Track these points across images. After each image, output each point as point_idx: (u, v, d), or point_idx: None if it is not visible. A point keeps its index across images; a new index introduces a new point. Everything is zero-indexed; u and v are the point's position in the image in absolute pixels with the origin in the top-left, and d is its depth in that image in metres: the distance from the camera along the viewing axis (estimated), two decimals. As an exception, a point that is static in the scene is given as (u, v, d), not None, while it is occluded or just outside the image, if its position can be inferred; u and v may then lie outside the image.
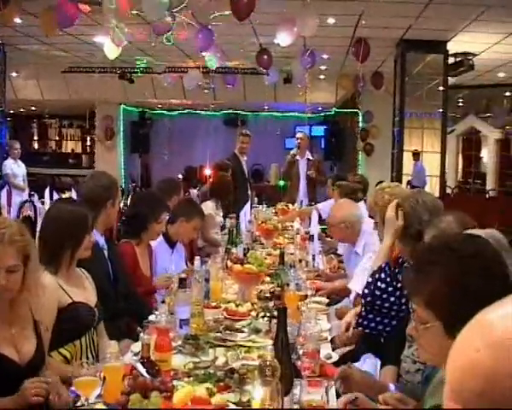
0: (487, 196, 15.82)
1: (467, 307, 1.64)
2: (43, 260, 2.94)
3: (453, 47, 10.63)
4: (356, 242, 4.95)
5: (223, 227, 7.02)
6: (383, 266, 3.34)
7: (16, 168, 11.18)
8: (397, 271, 3.34)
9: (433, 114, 12.51)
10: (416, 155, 13.55)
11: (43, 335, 2.71)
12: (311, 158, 9.97)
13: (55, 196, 8.92)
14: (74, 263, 3.23)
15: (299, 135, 10.07)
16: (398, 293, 3.25)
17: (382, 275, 3.31)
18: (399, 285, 3.23)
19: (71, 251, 3.16)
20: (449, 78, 11.17)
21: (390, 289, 3.27)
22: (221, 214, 7.42)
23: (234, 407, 2.40)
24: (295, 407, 2.37)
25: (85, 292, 3.25)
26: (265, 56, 9.95)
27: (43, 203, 8.81)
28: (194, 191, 9.78)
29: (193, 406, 2.22)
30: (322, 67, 12.88)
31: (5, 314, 2.56)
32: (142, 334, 3.03)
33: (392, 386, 2.59)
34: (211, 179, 8.90)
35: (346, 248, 5.32)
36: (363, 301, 3.36)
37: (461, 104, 15.94)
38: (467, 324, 0.97)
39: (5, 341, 2.53)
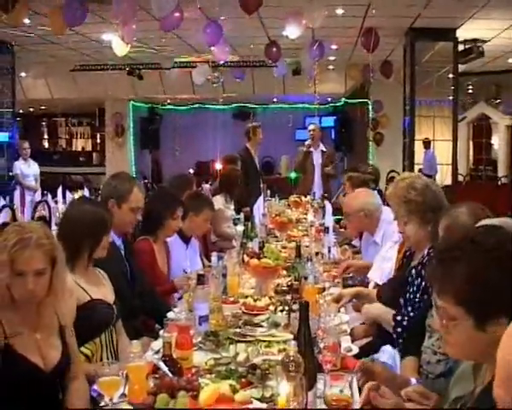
0: (499, 183, 15.69)
1: (496, 300, 1.64)
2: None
3: (462, 34, 10.54)
4: (374, 231, 4.92)
5: (235, 221, 6.98)
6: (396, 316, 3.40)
7: (26, 168, 11.17)
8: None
9: (443, 101, 12.48)
10: (427, 144, 13.49)
11: (69, 340, 2.70)
12: (324, 150, 9.96)
13: (68, 195, 8.95)
14: (91, 262, 3.25)
15: (311, 127, 10.05)
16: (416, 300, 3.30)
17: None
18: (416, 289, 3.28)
19: (89, 251, 3.19)
20: (458, 65, 11.10)
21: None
22: (232, 207, 7.38)
23: (258, 403, 2.40)
24: (319, 401, 2.37)
25: (103, 290, 3.26)
26: (274, 49, 9.91)
27: (56, 203, 8.81)
28: (206, 186, 9.75)
29: (219, 404, 2.22)
30: (331, 58, 12.85)
31: (31, 319, 2.55)
32: (162, 332, 3.03)
33: (413, 380, 2.57)
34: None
35: (364, 237, 5.29)
36: (399, 330, 3.35)
37: (470, 91, 15.79)
38: (498, 317, 0.96)
39: (30, 346, 2.51)
